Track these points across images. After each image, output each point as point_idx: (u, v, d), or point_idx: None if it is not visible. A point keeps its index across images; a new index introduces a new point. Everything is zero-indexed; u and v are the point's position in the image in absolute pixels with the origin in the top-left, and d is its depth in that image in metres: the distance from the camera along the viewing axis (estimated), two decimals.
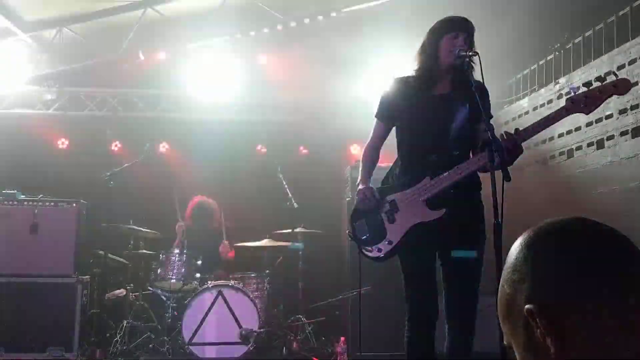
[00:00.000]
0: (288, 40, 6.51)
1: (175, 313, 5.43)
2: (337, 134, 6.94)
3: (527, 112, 6.07)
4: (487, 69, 2.96)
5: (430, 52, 3.14)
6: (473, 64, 3.00)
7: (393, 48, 5.81)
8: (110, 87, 7.16)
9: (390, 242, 3.17)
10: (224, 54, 6.73)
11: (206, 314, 5.30)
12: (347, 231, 3.44)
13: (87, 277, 5.59)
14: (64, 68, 6.86)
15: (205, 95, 6.98)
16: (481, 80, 3.01)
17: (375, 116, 3.35)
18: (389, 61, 6.04)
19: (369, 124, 3.40)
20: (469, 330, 3.07)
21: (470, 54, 2.94)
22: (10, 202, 5.56)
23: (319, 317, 5.97)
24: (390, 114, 3.28)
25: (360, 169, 3.35)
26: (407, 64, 3.28)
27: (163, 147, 7.08)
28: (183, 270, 5.52)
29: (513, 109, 6.40)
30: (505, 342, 1.04)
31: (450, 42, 3.06)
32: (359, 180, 3.31)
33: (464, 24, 3.11)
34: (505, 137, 2.76)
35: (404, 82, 3.24)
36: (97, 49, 6.71)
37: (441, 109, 3.13)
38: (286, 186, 6.14)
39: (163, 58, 6.71)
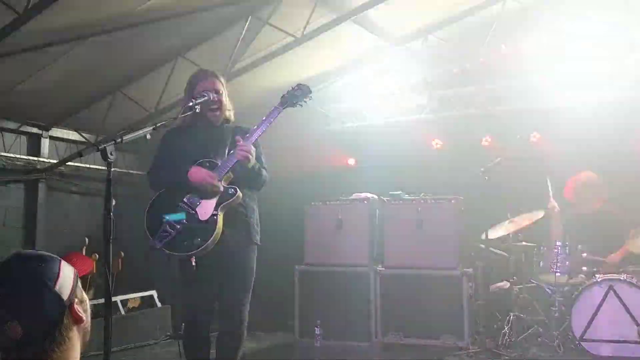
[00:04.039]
0: None
1: (563, 307, 5.24)
2: None
3: None
4: None
5: None
6: None
7: None
8: (476, 85, 7.29)
9: None
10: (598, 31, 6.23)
11: (597, 310, 4.99)
12: None
13: (470, 269, 5.81)
14: (431, 73, 7.31)
15: (574, 79, 6.55)
16: None
17: None
18: None
19: None
20: None
21: None
22: (398, 202, 6.17)
23: None
24: None
25: None
26: None
27: (534, 137, 6.87)
28: (567, 263, 5.30)
29: None
30: None
31: None
32: None
33: None
34: None
35: None
36: (460, 50, 6.95)
37: None
38: None
39: (527, 48, 6.58)
